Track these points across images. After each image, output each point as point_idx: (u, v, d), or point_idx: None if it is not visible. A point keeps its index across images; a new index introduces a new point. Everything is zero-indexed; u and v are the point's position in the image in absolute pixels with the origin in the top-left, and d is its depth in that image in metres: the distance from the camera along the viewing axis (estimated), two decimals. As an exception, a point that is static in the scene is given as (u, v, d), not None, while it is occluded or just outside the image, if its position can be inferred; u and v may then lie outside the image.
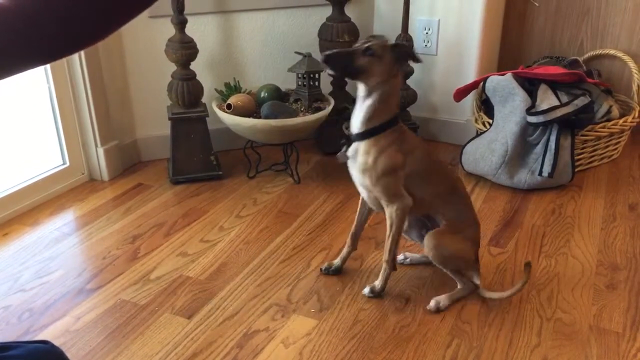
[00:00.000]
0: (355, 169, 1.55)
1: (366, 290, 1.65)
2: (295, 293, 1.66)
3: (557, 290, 1.67)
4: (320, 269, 1.74)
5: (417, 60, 1.46)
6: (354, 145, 1.52)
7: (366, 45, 1.43)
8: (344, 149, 1.56)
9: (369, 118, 1.48)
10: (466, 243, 1.60)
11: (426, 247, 1.59)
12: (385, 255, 1.62)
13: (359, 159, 1.51)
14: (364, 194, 1.61)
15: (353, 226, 1.73)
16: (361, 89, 1.48)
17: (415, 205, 1.56)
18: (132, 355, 1.43)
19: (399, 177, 1.51)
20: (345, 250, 1.74)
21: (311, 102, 2.31)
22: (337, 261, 1.74)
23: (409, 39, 2.41)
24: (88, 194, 2.22)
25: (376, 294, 1.64)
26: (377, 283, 1.64)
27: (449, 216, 1.59)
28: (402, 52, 1.46)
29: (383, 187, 1.51)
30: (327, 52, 1.43)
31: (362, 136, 1.49)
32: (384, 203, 1.55)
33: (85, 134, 2.26)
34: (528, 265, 1.59)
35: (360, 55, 1.42)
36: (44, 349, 1.05)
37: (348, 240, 1.74)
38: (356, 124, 1.50)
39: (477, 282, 1.62)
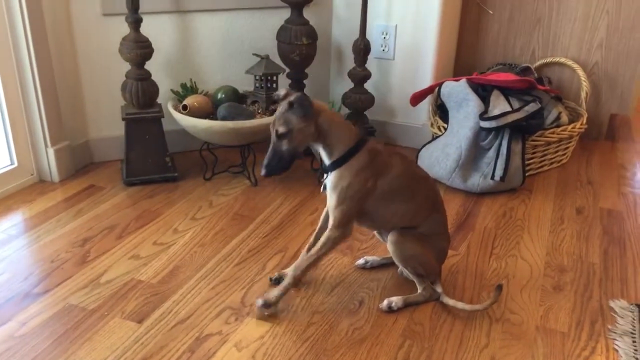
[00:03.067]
0: (328, 192, 1.54)
1: (259, 301, 1.56)
2: (249, 296, 1.65)
3: (507, 291, 1.71)
4: (270, 279, 1.70)
5: (311, 110, 1.43)
6: (330, 175, 1.53)
7: (274, 130, 1.45)
8: (325, 178, 1.56)
9: (332, 153, 1.51)
10: (429, 250, 1.62)
11: (388, 242, 1.60)
12: (296, 270, 1.56)
13: (332, 180, 1.52)
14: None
15: (312, 239, 1.67)
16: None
17: (396, 220, 1.58)
18: (80, 361, 1.39)
19: (360, 205, 1.53)
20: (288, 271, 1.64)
21: (269, 104, 2.31)
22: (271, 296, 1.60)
23: (367, 44, 2.43)
24: (37, 196, 2.16)
25: (268, 306, 1.55)
26: (273, 295, 1.56)
27: (424, 229, 1.61)
28: (298, 109, 1.43)
29: (343, 210, 1.52)
30: (263, 171, 1.47)
31: (334, 165, 1.51)
32: (330, 225, 1.55)
33: (35, 134, 2.19)
34: (499, 287, 1.59)
35: (279, 144, 1.46)
36: None
37: (304, 253, 1.66)
38: (326, 158, 1.53)
39: (439, 290, 1.64)
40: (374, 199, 1.53)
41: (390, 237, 1.60)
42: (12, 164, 2.18)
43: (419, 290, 1.64)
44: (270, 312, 1.57)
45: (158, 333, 1.49)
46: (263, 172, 1.48)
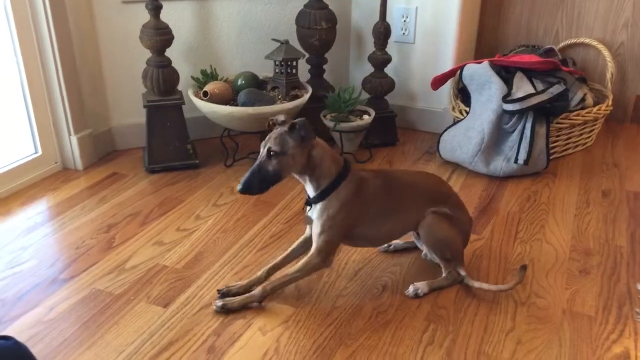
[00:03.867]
0: (314, 219, 1.54)
1: (218, 303, 1.51)
2: (272, 281, 1.65)
3: (532, 275, 1.69)
4: (218, 291, 1.57)
5: (312, 137, 1.43)
6: (315, 206, 1.53)
7: (266, 148, 1.42)
8: (308, 210, 1.56)
9: (318, 186, 1.50)
10: (458, 234, 1.62)
11: (421, 225, 1.59)
12: (269, 284, 1.53)
13: (318, 209, 1.52)
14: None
15: (279, 259, 1.61)
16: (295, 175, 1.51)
17: (412, 218, 1.60)
18: (107, 345, 1.41)
19: (343, 234, 1.53)
20: (254, 279, 1.58)
21: (289, 89, 2.30)
22: (233, 301, 1.54)
23: (387, 27, 2.40)
24: (61, 184, 2.18)
25: (224, 311, 1.50)
26: (235, 302, 1.51)
27: (443, 212, 1.61)
28: (300, 133, 1.41)
29: (326, 238, 1.52)
30: (239, 186, 1.44)
31: (318, 198, 1.51)
32: (313, 250, 1.53)
33: (58, 122, 2.22)
34: (524, 267, 1.59)
35: (267, 162, 1.43)
36: (6, 346, 0.99)
37: (264, 271, 1.58)
38: (310, 192, 1.53)
39: (463, 273, 1.63)
40: (367, 224, 1.55)
41: (423, 221, 1.59)
42: (36, 152, 2.21)
43: (443, 274, 1.63)
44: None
45: (184, 317, 1.51)
46: (240, 187, 1.44)
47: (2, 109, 2.13)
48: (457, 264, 1.64)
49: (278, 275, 1.59)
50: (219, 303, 1.51)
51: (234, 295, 1.56)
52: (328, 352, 1.41)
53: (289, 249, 1.63)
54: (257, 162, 1.44)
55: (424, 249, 1.71)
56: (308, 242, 1.61)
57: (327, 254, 1.53)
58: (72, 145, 2.24)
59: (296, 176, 1.51)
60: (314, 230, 1.53)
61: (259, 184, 1.44)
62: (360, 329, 1.49)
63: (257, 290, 1.53)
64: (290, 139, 1.42)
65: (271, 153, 1.42)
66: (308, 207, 1.56)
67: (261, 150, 1.45)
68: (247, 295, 1.54)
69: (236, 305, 1.52)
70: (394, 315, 1.53)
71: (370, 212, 1.54)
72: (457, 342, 1.44)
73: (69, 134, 2.23)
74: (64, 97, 2.17)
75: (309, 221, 1.56)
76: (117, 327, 1.47)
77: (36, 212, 2.00)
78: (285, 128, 1.43)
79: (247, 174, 1.44)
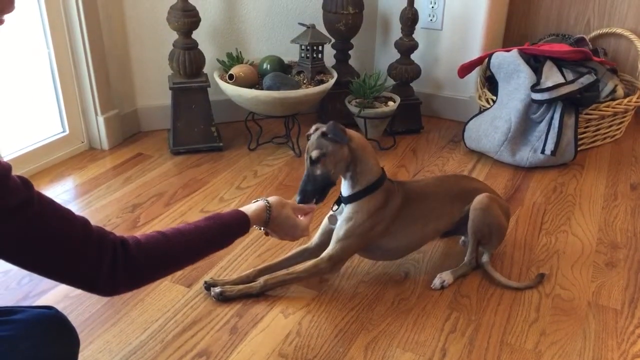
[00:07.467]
0: (339, 222, 1.55)
1: (217, 290, 1.50)
2: (295, 264, 1.66)
3: (557, 267, 1.67)
4: (205, 282, 1.55)
5: (344, 134, 1.44)
6: (345, 207, 1.54)
7: (308, 156, 1.45)
8: (335, 209, 1.57)
9: (355, 184, 1.51)
10: (506, 224, 1.63)
11: (473, 207, 1.58)
12: (272, 279, 1.53)
13: (347, 211, 1.53)
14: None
15: (273, 262, 1.60)
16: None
17: (440, 226, 1.62)
18: (132, 322, 1.43)
19: (362, 245, 1.54)
20: (243, 276, 1.57)
21: (314, 74, 2.29)
22: (232, 289, 1.53)
23: (415, 13, 2.38)
24: (88, 163, 2.21)
25: (222, 298, 1.50)
26: (234, 291, 1.51)
27: (494, 197, 1.62)
28: (331, 136, 1.43)
29: (344, 246, 1.52)
30: (297, 198, 1.46)
31: (351, 198, 1.52)
32: (326, 254, 1.53)
33: (85, 102, 2.24)
34: (541, 275, 1.59)
35: (313, 170, 1.46)
36: (49, 315, 1.06)
37: (256, 270, 1.57)
38: (345, 190, 1.53)
39: (485, 260, 1.63)
40: (386, 237, 1.54)
41: (478, 199, 1.58)
42: (63, 131, 2.23)
43: (466, 259, 1.62)
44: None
45: (207, 297, 1.52)
46: (298, 198, 1.46)
47: (32, 89, 2.16)
48: (489, 250, 1.64)
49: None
50: (218, 290, 1.51)
51: (228, 298, 1.52)
52: (349, 337, 1.41)
53: (287, 255, 1.63)
54: (305, 172, 1.47)
55: (463, 236, 1.71)
56: (307, 252, 1.61)
57: (338, 261, 1.54)
58: (99, 125, 2.26)
59: (342, 176, 1.52)
60: (337, 232, 1.54)
61: (313, 190, 1.46)
62: (381, 315, 1.49)
63: (258, 283, 1.53)
64: (325, 141, 1.45)
65: (313, 159, 1.44)
66: (336, 207, 1.57)
67: (305, 160, 1.48)
68: (247, 285, 1.54)
69: (234, 293, 1.51)
70: (416, 303, 1.53)
71: (391, 227, 1.54)
72: (480, 331, 1.44)
73: (96, 114, 2.25)
74: (91, 78, 2.19)
75: (334, 221, 1.57)
76: (142, 304, 1.49)
77: (63, 189, 2.03)
78: (318, 132, 1.45)
79: (300, 185, 1.47)
